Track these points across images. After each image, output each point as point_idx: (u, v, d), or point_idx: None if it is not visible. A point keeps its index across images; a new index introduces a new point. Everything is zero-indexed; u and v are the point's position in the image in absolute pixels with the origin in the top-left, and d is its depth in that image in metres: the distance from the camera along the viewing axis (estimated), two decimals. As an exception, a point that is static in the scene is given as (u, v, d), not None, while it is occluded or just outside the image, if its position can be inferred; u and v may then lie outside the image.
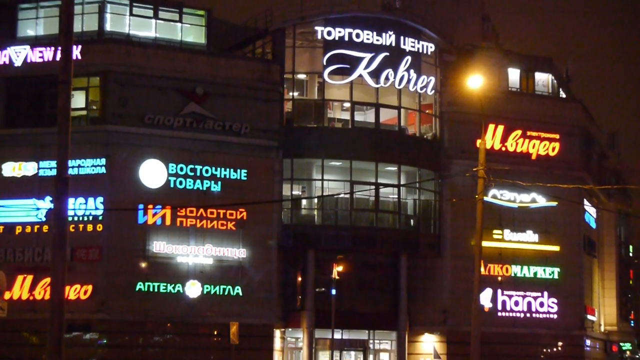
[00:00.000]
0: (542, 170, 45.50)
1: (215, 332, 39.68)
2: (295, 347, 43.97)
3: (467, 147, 43.24)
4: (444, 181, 44.89)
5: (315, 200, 42.81)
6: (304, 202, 43.86)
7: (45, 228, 38.12)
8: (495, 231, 45.00)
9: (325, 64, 42.63)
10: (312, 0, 43.45)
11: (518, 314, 45.77)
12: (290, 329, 43.50)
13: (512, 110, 46.47)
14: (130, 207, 38.33)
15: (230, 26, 45.67)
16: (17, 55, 39.72)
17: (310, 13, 42.91)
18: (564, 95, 51.38)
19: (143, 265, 39.13)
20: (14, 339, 37.29)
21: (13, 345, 37.00)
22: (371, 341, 44.83)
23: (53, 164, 34.40)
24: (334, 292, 40.68)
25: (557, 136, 47.33)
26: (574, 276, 47.48)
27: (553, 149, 47.13)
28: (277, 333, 42.53)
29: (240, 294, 40.26)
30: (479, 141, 28.22)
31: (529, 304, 46.03)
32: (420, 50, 44.38)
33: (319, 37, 42.82)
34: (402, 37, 43.52)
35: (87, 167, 38.88)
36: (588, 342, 49.65)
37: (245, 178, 41.00)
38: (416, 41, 44.17)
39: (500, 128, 45.78)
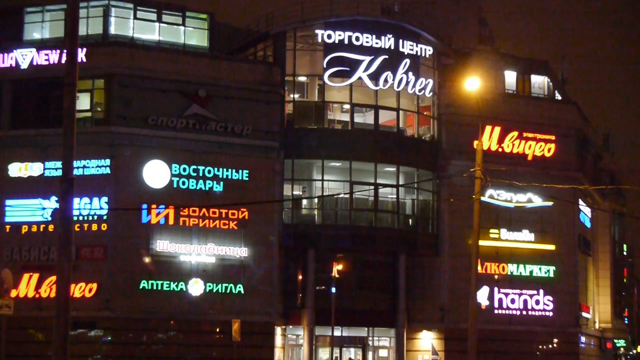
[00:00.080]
0: (538, 170, 45.86)
1: (218, 329, 39.97)
2: (296, 344, 44.27)
3: (464, 148, 43.56)
4: (441, 181, 45.19)
5: (316, 200, 43.06)
6: (304, 202, 44.10)
7: (50, 227, 38.27)
8: (492, 230, 45.30)
9: (325, 66, 43.01)
10: (312, 4, 43.59)
11: (514, 312, 46.11)
12: (291, 326, 43.77)
13: (508, 112, 46.80)
14: (134, 207, 38.66)
15: (232, 29, 46.02)
16: (24, 58, 40.08)
17: (310, 17, 43.21)
18: (559, 97, 51.54)
19: (147, 263, 39.34)
20: (20, 336, 37.34)
21: (19, 342, 37.07)
22: (370, 338, 45.18)
23: (58, 164, 35.50)
24: (333, 290, 41.01)
25: (553, 137, 47.68)
26: (569, 274, 47.83)
27: (549, 150, 47.48)
28: (278, 330, 42.82)
29: (242, 292, 40.61)
30: (476, 142, 28.62)
31: (525, 301, 46.39)
32: (419, 53, 44.74)
33: (319, 40, 43.16)
34: (400, 41, 43.89)
35: (92, 167, 39.16)
36: (583, 339, 49.97)
37: (246, 178, 41.33)
38: (414, 44, 44.51)
39: (497, 129, 46.14)
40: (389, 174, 44.53)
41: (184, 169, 40.51)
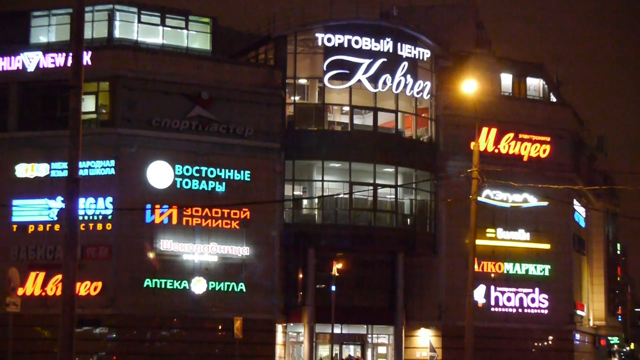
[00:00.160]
0: (533, 171, 46.10)
1: (220, 327, 40.33)
2: (297, 341, 44.68)
3: (461, 149, 43.65)
4: (439, 182, 45.43)
5: (316, 200, 43.35)
6: (304, 202, 44.41)
7: (56, 227, 38.73)
8: (488, 230, 45.65)
9: (325, 69, 43.35)
10: (313, 8, 44.35)
11: (510, 310, 46.49)
12: (291, 324, 44.17)
13: (504, 114, 47.12)
14: (138, 207, 38.95)
15: (235, 33, 46.43)
16: (30, 60, 40.46)
17: (311, 20, 43.56)
18: (554, 100, 51.89)
19: (151, 262, 39.77)
20: (26, 334, 37.39)
21: (26, 340, 37.14)
22: (369, 335, 45.61)
23: (64, 165, 36.02)
24: (333, 288, 41.49)
25: (548, 139, 47.97)
26: (564, 273, 48.15)
27: (544, 151, 47.80)
28: (279, 328, 43.21)
29: (244, 290, 41.01)
30: (472, 143, 28.83)
31: (521, 299, 46.79)
32: (417, 56, 45.14)
33: (320, 43, 43.49)
34: (399, 44, 44.29)
35: (97, 168, 39.50)
36: (577, 336, 50.35)
37: (248, 179, 41.70)
38: (413, 47, 44.93)
39: (494, 131, 46.48)
40: (387, 174, 44.90)
41: (187, 170, 40.89)
